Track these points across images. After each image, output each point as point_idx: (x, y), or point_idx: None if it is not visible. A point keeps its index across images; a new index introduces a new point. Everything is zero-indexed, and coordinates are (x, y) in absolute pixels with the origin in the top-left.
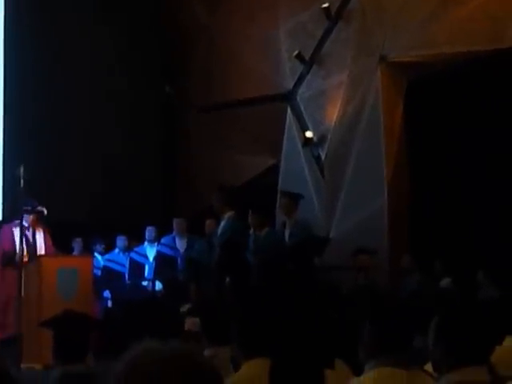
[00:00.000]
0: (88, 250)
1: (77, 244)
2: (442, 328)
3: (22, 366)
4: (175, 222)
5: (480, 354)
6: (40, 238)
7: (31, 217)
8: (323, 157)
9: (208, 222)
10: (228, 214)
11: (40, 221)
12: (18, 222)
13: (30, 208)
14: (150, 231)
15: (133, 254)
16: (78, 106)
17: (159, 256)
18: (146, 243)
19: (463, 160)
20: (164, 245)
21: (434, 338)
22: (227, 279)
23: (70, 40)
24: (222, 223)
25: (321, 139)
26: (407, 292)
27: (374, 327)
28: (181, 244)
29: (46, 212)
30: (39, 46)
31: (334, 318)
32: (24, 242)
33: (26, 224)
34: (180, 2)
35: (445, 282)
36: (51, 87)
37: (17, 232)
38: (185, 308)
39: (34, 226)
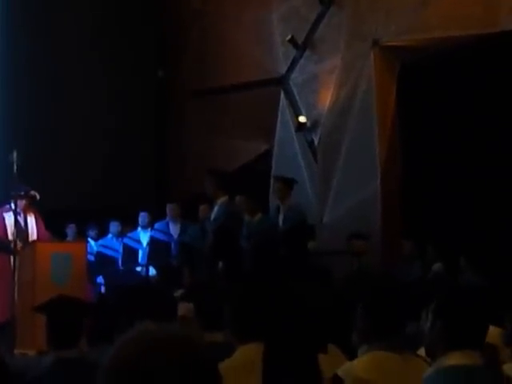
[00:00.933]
0: (82, 236)
1: (70, 230)
2: (439, 311)
3: (16, 351)
4: (168, 208)
5: (475, 338)
6: (32, 222)
7: (23, 202)
8: (316, 142)
9: (202, 207)
10: (221, 200)
11: (31, 206)
12: (8, 207)
13: (22, 193)
14: (143, 217)
15: (126, 240)
16: (71, 91)
17: (153, 241)
18: (139, 229)
19: (456, 145)
20: (157, 230)
21: (431, 322)
22: (220, 264)
23: (61, 26)
24: (216, 208)
25: (314, 124)
26: (412, 278)
27: (367, 312)
28: (174, 229)
29: (38, 197)
30: (32, 32)
31: (327, 302)
32: (14, 226)
33: (18, 210)
34: None
35: (436, 266)
36: (44, 73)
37: (8, 217)
38: (178, 293)
39: (25, 212)
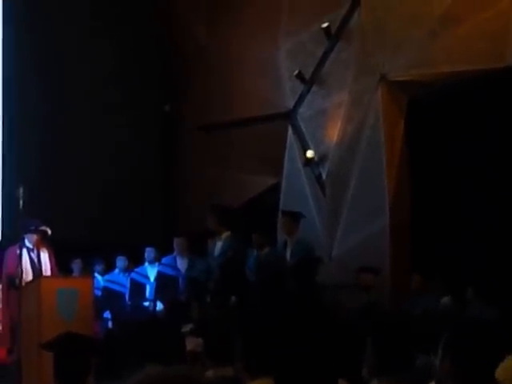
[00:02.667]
0: (87, 271)
1: (76, 265)
2: (447, 348)
3: None
4: (176, 242)
5: (484, 374)
6: (45, 259)
7: (35, 237)
8: (324, 176)
9: (210, 241)
10: (225, 235)
11: (44, 241)
12: (21, 244)
13: (33, 228)
14: (149, 252)
15: (133, 275)
16: (78, 126)
17: (160, 276)
18: (146, 263)
19: (465, 178)
20: (165, 265)
21: (440, 357)
22: (232, 299)
23: (69, 56)
24: (219, 244)
25: (322, 158)
26: (421, 312)
27: (377, 347)
28: (182, 264)
29: (49, 232)
30: (39, 62)
31: (336, 337)
32: (29, 264)
33: (30, 245)
34: (180, 22)
35: (445, 299)
36: (51, 106)
37: (23, 254)
38: (187, 328)
39: (38, 247)
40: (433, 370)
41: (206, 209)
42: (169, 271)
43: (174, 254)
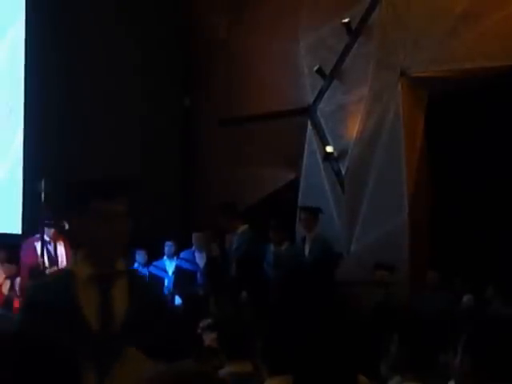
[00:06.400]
0: None
1: None
2: (467, 348)
3: None
4: (194, 237)
5: (504, 374)
6: (61, 251)
7: (52, 230)
8: (343, 171)
9: (228, 236)
10: (241, 229)
11: (61, 234)
12: (39, 236)
13: (50, 222)
14: (168, 246)
15: (152, 268)
16: (98, 119)
17: (178, 270)
18: (165, 257)
19: (485, 174)
20: (183, 259)
21: (460, 358)
22: (243, 294)
23: (91, 50)
24: (236, 238)
25: (341, 154)
26: (435, 309)
27: (402, 343)
28: (200, 258)
29: (66, 226)
30: (61, 55)
31: (355, 333)
32: (46, 256)
33: (47, 238)
34: (201, 17)
35: (466, 298)
36: (72, 101)
37: (38, 246)
38: (205, 323)
39: (55, 240)
40: (452, 369)
41: (216, 210)
42: (187, 266)
43: (193, 248)
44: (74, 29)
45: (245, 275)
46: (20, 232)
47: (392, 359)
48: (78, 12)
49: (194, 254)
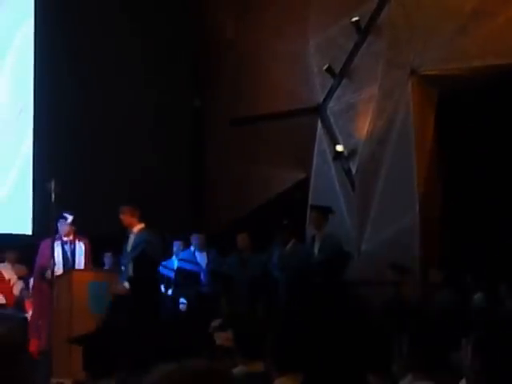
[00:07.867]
0: (119, 265)
1: (107, 258)
2: (478, 347)
3: (52, 380)
4: (194, 238)
5: None
6: (81, 251)
7: (67, 228)
8: (354, 170)
9: (240, 236)
10: (138, 228)
11: (78, 233)
12: (57, 236)
13: (64, 220)
14: (177, 245)
15: (161, 268)
16: (108, 119)
17: (180, 271)
18: (173, 257)
19: (495, 173)
20: (184, 260)
21: (471, 357)
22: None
23: (102, 51)
24: (133, 237)
25: (351, 153)
26: (439, 307)
27: (415, 342)
28: (202, 258)
29: (69, 218)
30: (72, 56)
31: (366, 332)
32: (61, 256)
33: (65, 238)
34: (210, 17)
35: (477, 297)
36: (82, 101)
37: (55, 246)
38: (216, 323)
39: (73, 239)
40: (463, 367)
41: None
42: (188, 266)
43: (192, 248)
44: (83, 29)
45: (141, 275)
46: (30, 233)
47: (403, 358)
48: (87, 13)
49: (194, 254)
